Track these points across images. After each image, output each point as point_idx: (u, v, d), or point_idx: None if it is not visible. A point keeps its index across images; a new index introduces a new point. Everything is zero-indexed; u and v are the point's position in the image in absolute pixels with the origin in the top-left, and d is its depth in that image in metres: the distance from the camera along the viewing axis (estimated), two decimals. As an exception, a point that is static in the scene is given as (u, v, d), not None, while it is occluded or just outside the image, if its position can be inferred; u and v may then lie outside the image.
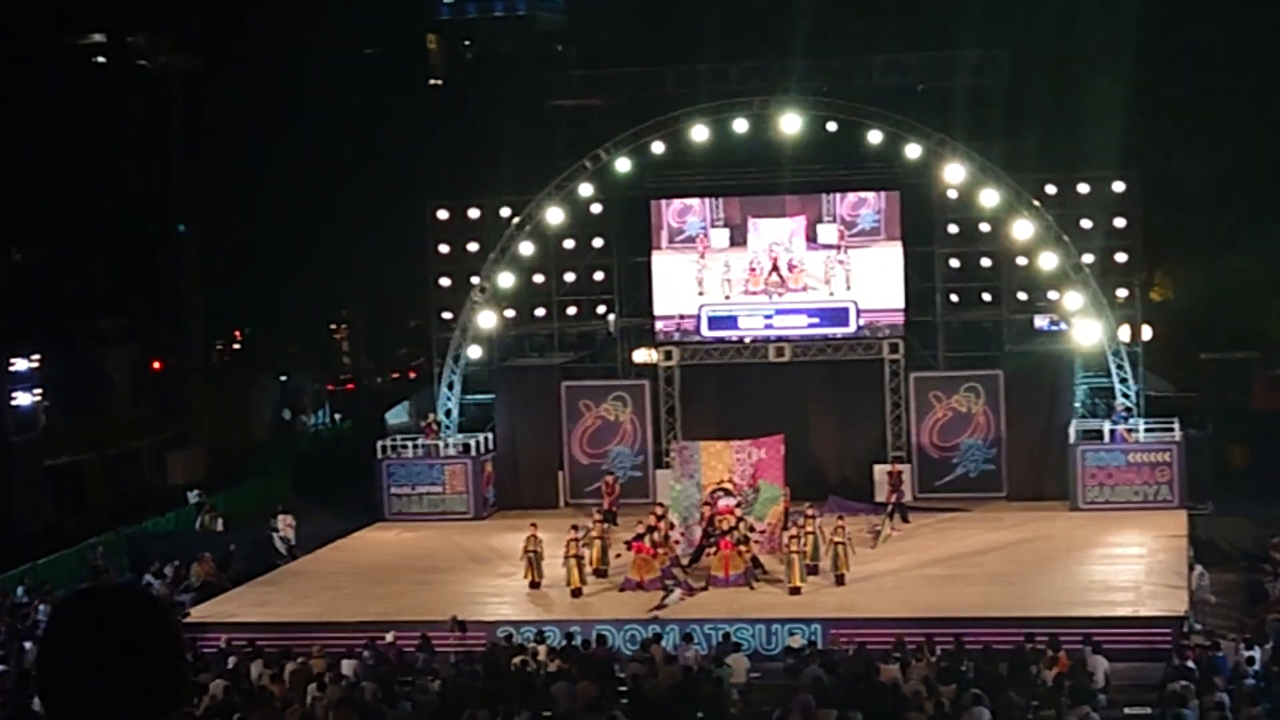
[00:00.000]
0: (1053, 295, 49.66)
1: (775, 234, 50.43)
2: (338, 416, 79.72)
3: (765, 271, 50.45)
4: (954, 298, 51.53)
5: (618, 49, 74.46)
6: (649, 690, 30.59)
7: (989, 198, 48.24)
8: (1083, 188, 49.92)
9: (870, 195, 50.11)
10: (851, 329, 50.28)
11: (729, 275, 50.73)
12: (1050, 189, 49.67)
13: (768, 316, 50.79)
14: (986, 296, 51.20)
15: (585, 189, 50.61)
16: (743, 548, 39.81)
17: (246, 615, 39.44)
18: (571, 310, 53.59)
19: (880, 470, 48.82)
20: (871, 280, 50.13)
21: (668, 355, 51.81)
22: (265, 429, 73.90)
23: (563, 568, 39.82)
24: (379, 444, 51.49)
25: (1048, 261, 48.15)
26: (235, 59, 73.10)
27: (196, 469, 62.25)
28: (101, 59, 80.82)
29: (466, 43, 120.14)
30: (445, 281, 53.64)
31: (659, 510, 42.25)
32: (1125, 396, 48.17)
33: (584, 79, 53.63)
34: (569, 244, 52.57)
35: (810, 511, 41.26)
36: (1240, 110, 62.53)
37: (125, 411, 66.54)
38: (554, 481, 51.72)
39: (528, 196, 50.88)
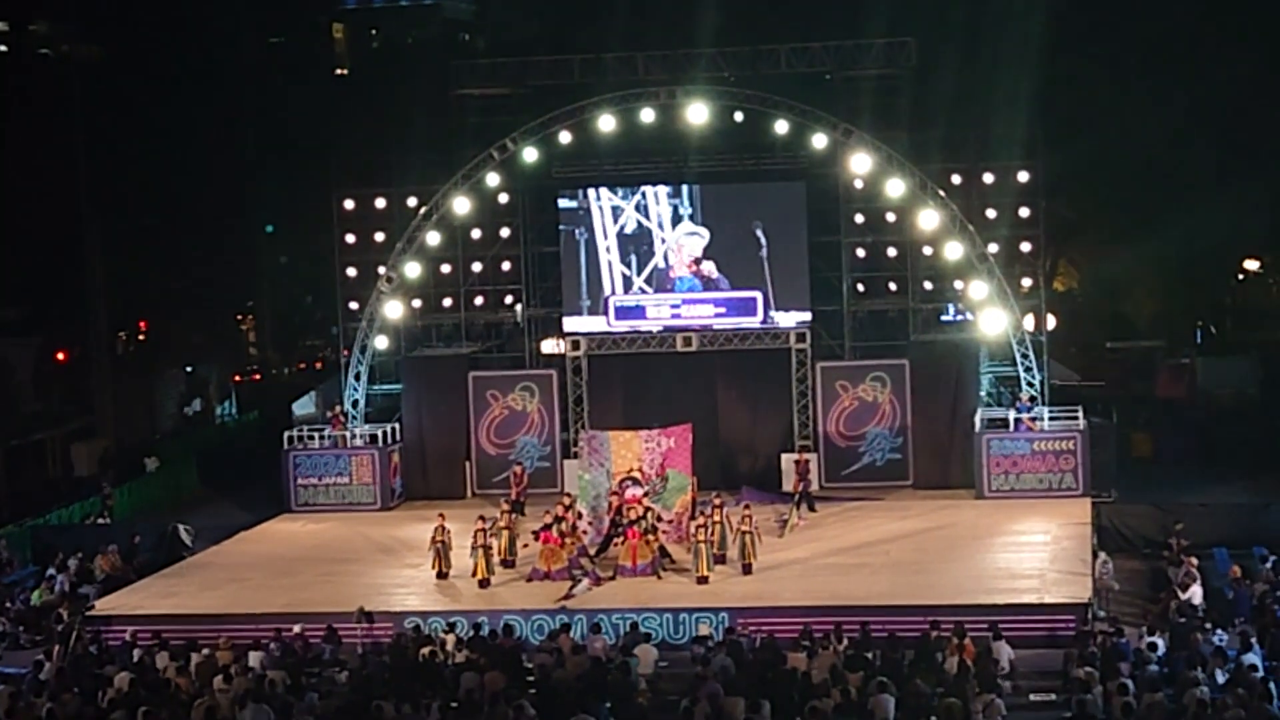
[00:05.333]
0: (958, 285, 49.93)
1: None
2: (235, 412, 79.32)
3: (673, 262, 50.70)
4: (860, 287, 51.71)
5: (525, 38, 74.37)
6: (557, 680, 30.59)
7: (895, 187, 48.42)
8: (988, 178, 50.14)
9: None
10: (759, 319, 50.39)
11: (636, 267, 50.92)
12: (955, 179, 49.87)
13: (675, 306, 50.88)
14: (892, 286, 51.40)
15: (492, 179, 50.50)
16: (650, 537, 39.89)
17: (152, 607, 39.15)
18: (479, 300, 53.49)
19: (787, 459, 48.99)
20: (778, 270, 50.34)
21: (575, 345, 51.79)
22: (170, 420, 73.42)
23: (470, 558, 39.81)
24: (285, 435, 51.24)
25: (953, 251, 48.39)
26: (139, 47, 72.48)
27: (100, 460, 61.74)
28: (3, 47, 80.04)
29: (372, 32, 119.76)
30: (352, 272, 53.48)
31: (566, 500, 42.33)
32: (1030, 385, 48.49)
33: (491, 68, 53.39)
34: (476, 234, 52.48)
35: (717, 501, 41.38)
36: (1144, 101, 62.98)
37: (28, 402, 65.92)
38: (461, 472, 51.65)
39: (434, 186, 50.71)
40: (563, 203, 51.45)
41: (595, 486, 42.55)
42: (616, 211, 50.94)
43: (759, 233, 50.10)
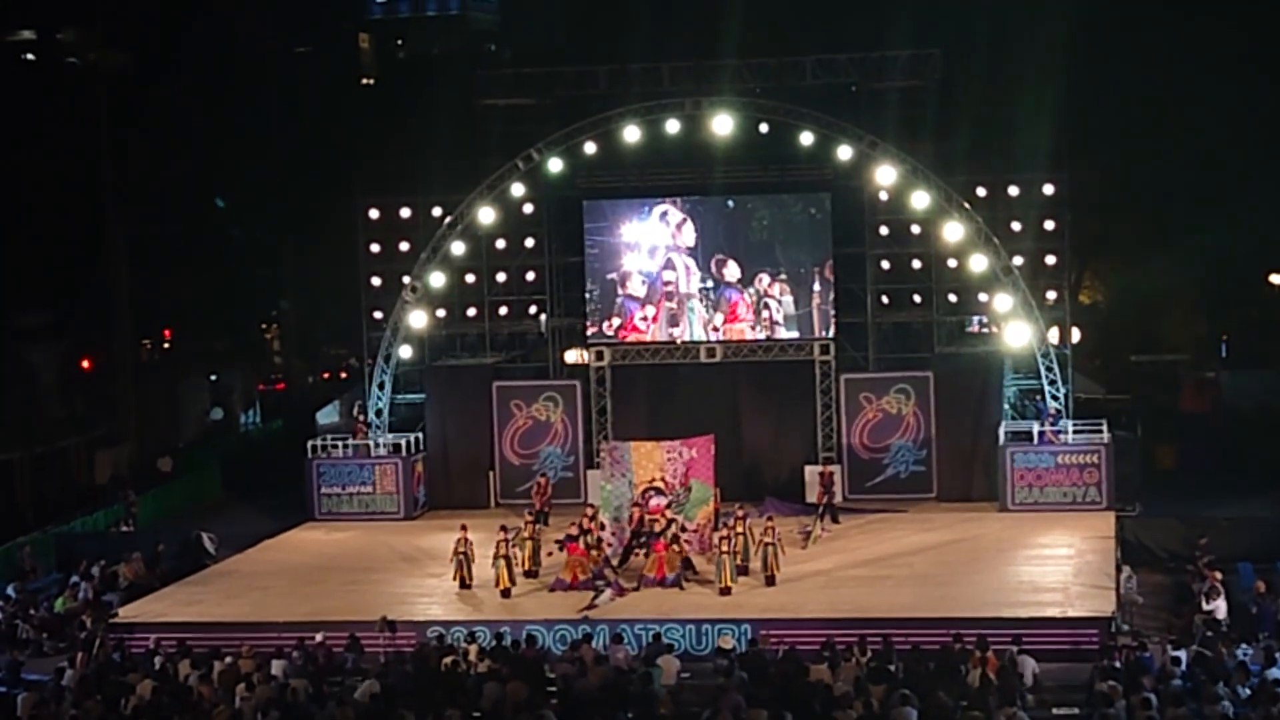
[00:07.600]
0: (983, 297, 49.82)
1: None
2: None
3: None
4: (885, 299, 51.57)
5: (550, 48, 74.42)
6: (579, 690, 30.55)
7: (920, 200, 48.37)
8: (1013, 190, 50.03)
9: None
10: (783, 331, 50.43)
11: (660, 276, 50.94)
12: (980, 191, 49.81)
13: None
14: (917, 298, 51.30)
15: (517, 189, 50.50)
16: (675, 548, 39.85)
17: (175, 615, 39.20)
18: (503, 310, 53.51)
19: (811, 471, 48.91)
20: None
21: (599, 356, 51.79)
22: (194, 428, 73.52)
23: (492, 568, 39.78)
24: (309, 443, 51.28)
25: (978, 264, 48.32)
26: (166, 56, 72.65)
27: (124, 467, 61.82)
28: (31, 56, 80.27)
29: (399, 42, 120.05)
30: (376, 281, 53.47)
31: (590, 511, 42.21)
32: (1054, 398, 48.39)
33: (516, 78, 53.43)
34: (501, 244, 52.49)
35: (740, 512, 41.31)
36: (1169, 114, 62.88)
37: (53, 409, 65.99)
38: (484, 482, 51.66)
39: (459, 196, 50.75)
40: (587, 213, 51.43)
41: (617, 497, 42.49)
42: (641, 221, 50.92)
43: (783, 244, 50.14)
